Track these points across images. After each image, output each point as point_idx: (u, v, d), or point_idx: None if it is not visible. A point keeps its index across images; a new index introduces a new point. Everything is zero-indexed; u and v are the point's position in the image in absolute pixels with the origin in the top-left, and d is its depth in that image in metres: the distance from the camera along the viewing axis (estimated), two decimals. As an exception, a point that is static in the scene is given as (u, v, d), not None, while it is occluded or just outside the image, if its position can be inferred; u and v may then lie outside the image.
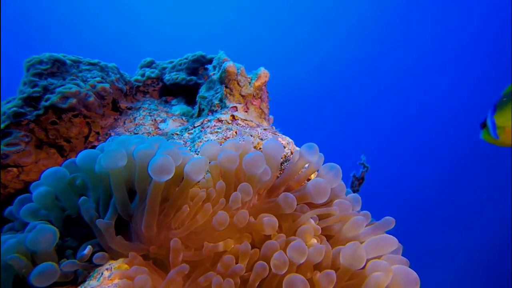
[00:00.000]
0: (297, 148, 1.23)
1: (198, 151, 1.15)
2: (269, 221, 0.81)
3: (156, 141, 0.89)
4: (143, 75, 2.14)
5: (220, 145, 0.97)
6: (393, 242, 0.83)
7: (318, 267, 0.80)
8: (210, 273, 0.76)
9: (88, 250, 0.80)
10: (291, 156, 1.18)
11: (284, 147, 1.19)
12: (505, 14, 15.66)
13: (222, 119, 1.34)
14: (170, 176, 0.76)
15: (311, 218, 0.88)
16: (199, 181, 0.98)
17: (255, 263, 0.76)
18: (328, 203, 0.96)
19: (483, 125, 1.31)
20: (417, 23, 19.30)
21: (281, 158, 1.15)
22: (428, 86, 19.25)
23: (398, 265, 0.79)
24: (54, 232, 0.78)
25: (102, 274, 0.76)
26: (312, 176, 1.12)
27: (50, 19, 19.65)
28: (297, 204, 0.86)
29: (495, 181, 14.22)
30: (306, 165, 1.01)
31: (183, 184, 0.81)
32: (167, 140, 1.39)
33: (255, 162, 0.83)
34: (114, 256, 0.81)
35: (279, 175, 1.04)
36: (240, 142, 0.95)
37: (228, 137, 1.21)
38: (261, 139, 1.20)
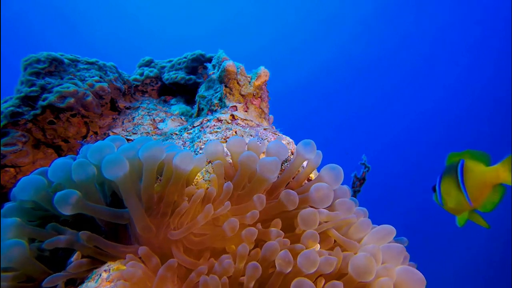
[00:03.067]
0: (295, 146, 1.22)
1: (198, 151, 1.14)
2: (277, 232, 0.80)
3: (142, 141, 0.86)
4: (141, 74, 2.13)
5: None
6: (396, 242, 0.82)
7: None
8: (202, 267, 0.74)
9: (75, 255, 0.79)
10: (292, 156, 1.16)
11: (284, 147, 1.18)
12: (506, 15, 15.68)
13: (222, 118, 1.32)
14: (123, 172, 0.73)
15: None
16: (197, 179, 0.97)
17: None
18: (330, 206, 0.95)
19: (434, 189, 1.38)
20: (420, 24, 19.32)
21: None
22: (430, 87, 19.27)
23: (404, 266, 0.78)
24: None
25: (100, 275, 0.75)
26: (312, 175, 1.11)
27: (48, 19, 19.62)
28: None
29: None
30: (305, 163, 1.00)
31: (174, 178, 0.79)
32: (166, 140, 1.38)
33: (271, 167, 0.81)
34: (112, 258, 0.80)
35: (278, 175, 1.03)
36: (248, 140, 0.93)
37: (228, 137, 1.19)
38: (261, 139, 1.19)
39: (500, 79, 16.49)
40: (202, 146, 1.16)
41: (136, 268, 0.73)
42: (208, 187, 0.86)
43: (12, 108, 1.44)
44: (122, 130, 1.56)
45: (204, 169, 0.99)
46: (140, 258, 0.79)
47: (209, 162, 1.03)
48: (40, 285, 0.74)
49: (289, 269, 0.71)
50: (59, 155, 1.49)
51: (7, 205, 0.86)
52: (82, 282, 0.77)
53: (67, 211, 0.74)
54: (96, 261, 0.79)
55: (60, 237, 0.76)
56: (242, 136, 1.20)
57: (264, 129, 1.29)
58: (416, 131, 18.48)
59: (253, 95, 1.46)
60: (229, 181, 0.84)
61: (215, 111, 1.47)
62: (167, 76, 2.08)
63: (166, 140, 1.38)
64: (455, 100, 18.30)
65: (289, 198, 0.83)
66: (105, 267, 0.77)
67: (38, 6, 19.10)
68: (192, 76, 2.06)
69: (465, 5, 17.76)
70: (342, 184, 0.99)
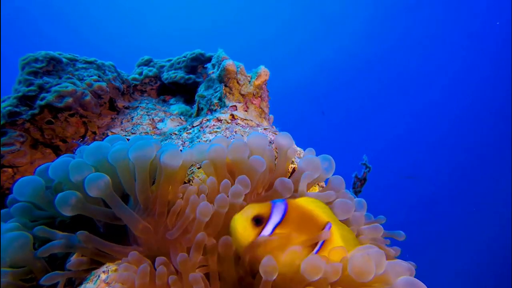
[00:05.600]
0: (298, 148, 1.21)
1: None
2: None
3: (134, 141, 0.86)
4: (140, 74, 2.11)
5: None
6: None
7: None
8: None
9: (75, 254, 0.78)
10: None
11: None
12: (506, 14, 15.67)
13: (222, 118, 1.31)
14: (102, 190, 0.73)
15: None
16: (190, 176, 0.96)
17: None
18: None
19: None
20: (419, 23, 19.29)
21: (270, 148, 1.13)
22: (430, 87, 19.26)
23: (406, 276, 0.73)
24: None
25: (99, 276, 0.74)
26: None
27: (47, 16, 19.59)
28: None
29: (496, 181, 14.25)
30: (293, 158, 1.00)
31: (164, 176, 0.79)
32: (165, 140, 1.37)
33: (237, 147, 0.83)
34: (110, 259, 0.79)
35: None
36: (230, 139, 0.93)
37: (227, 137, 1.18)
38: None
39: (500, 79, 16.48)
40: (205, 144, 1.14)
41: (131, 271, 0.72)
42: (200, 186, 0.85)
43: (10, 107, 1.43)
44: (121, 130, 1.55)
45: (201, 171, 0.98)
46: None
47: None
48: (38, 283, 0.73)
49: (274, 276, 0.63)
50: (57, 155, 1.48)
51: (11, 206, 0.86)
52: (80, 283, 0.76)
53: (67, 212, 0.74)
54: (95, 262, 0.78)
55: (54, 242, 0.76)
56: (242, 136, 1.19)
57: (264, 129, 1.28)
58: (417, 131, 18.47)
59: (253, 94, 1.45)
60: (226, 179, 0.82)
61: (215, 110, 1.46)
62: (167, 76, 2.07)
63: (165, 140, 1.37)
64: (455, 100, 18.29)
65: (284, 185, 0.82)
66: (103, 268, 0.76)
67: (36, 3, 19.07)
68: (191, 76, 2.05)
69: (466, 4, 17.75)
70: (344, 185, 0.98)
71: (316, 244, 0.69)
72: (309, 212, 0.71)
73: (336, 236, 0.71)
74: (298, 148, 1.21)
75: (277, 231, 0.68)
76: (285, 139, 0.95)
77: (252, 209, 0.69)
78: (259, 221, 0.69)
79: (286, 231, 0.69)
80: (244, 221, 0.68)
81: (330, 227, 0.70)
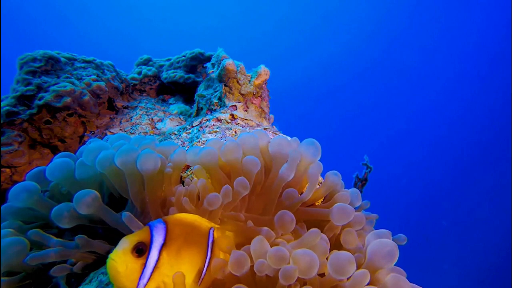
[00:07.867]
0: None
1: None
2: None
3: (133, 142, 0.86)
4: (139, 73, 2.10)
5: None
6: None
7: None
8: None
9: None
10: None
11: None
12: (506, 14, 15.69)
13: (221, 118, 1.30)
14: (91, 206, 0.73)
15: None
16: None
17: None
18: (328, 199, 0.94)
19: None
20: (420, 22, 19.30)
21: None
22: (431, 86, 19.26)
23: (376, 239, 0.72)
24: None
25: (98, 278, 0.74)
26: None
27: (46, 15, 19.56)
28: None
29: (496, 182, 14.28)
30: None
31: (146, 181, 0.77)
32: (165, 140, 1.36)
33: (229, 149, 0.82)
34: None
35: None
36: (223, 140, 0.92)
37: (226, 137, 1.18)
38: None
39: (501, 79, 16.51)
40: (201, 146, 1.14)
41: None
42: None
43: (8, 107, 1.42)
44: (120, 130, 1.54)
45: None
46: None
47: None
48: (48, 273, 0.74)
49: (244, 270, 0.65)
50: (56, 155, 1.47)
51: (4, 206, 0.84)
52: (79, 285, 0.75)
53: (64, 224, 0.74)
54: (94, 263, 0.78)
55: (49, 251, 0.74)
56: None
57: (264, 128, 1.27)
58: (418, 131, 18.48)
59: (253, 94, 1.44)
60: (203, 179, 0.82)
61: (215, 110, 1.45)
62: (166, 75, 2.06)
63: (165, 140, 1.36)
64: (455, 99, 18.32)
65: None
66: (102, 269, 0.76)
67: (37, 2, 19.03)
68: (191, 75, 2.04)
69: (467, 4, 17.77)
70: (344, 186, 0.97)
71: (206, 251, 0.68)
72: (191, 223, 0.69)
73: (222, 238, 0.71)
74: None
75: (164, 253, 0.63)
76: (262, 137, 0.94)
77: (129, 240, 0.61)
78: (141, 250, 0.61)
79: (174, 248, 0.64)
80: (123, 256, 0.59)
81: (213, 231, 0.70)
